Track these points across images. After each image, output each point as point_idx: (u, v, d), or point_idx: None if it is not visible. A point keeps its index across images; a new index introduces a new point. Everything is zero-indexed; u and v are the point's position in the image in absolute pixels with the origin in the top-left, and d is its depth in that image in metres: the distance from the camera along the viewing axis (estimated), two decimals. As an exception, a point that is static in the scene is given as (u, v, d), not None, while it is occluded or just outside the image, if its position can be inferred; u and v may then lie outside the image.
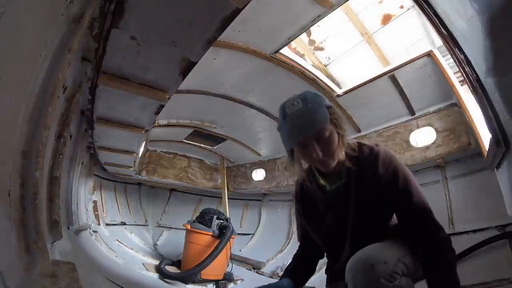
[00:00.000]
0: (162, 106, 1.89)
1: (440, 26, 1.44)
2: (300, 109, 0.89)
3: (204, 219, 3.38)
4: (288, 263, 1.26)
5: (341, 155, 0.98)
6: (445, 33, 1.43)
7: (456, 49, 1.42)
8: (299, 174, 1.12)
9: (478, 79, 1.34)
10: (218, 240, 3.15)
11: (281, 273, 3.52)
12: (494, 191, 1.85)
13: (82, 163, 2.76)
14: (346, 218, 1.01)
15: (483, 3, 0.94)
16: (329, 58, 3.40)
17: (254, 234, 4.68)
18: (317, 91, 1.33)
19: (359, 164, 0.99)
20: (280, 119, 0.95)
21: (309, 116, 0.89)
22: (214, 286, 3.21)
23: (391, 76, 2.66)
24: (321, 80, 3.00)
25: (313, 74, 2.95)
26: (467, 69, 1.41)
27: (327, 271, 1.21)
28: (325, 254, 1.21)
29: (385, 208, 0.99)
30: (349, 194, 1.00)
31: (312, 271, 1.23)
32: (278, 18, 2.26)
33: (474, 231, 2.16)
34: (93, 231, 3.17)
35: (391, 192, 0.95)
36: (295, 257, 1.27)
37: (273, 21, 2.30)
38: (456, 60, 1.54)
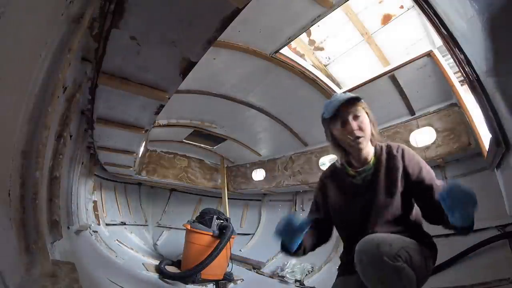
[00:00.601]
0: (162, 106, 1.90)
1: (440, 26, 1.44)
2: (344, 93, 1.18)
3: (204, 219, 3.37)
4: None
5: (370, 146, 1.16)
6: (445, 33, 1.43)
7: (456, 49, 1.42)
8: (339, 155, 1.26)
9: (478, 79, 1.34)
10: (218, 240, 3.14)
11: (281, 273, 3.48)
12: (494, 191, 1.85)
13: (82, 163, 2.76)
14: (372, 205, 1.11)
15: (483, 3, 0.94)
16: (329, 58, 3.40)
17: (254, 234, 4.67)
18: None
19: (387, 156, 1.16)
20: (326, 104, 1.17)
21: (350, 94, 1.15)
22: (214, 286, 3.21)
23: (391, 76, 2.66)
24: (321, 80, 2.99)
25: (313, 74, 2.94)
26: (467, 69, 1.42)
27: (339, 268, 1.24)
28: (343, 245, 1.27)
29: (407, 196, 1.11)
30: (376, 181, 1.13)
31: (316, 246, 1.27)
32: (278, 18, 2.26)
33: (474, 231, 2.15)
34: (93, 231, 3.17)
35: (418, 180, 1.09)
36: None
37: (273, 21, 2.30)
38: (456, 60, 1.54)
